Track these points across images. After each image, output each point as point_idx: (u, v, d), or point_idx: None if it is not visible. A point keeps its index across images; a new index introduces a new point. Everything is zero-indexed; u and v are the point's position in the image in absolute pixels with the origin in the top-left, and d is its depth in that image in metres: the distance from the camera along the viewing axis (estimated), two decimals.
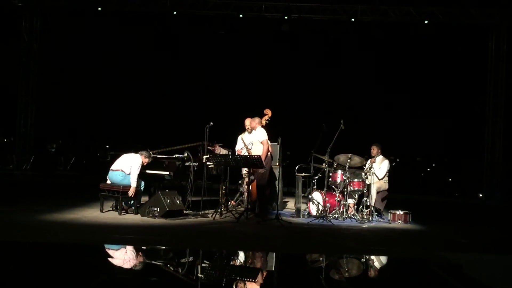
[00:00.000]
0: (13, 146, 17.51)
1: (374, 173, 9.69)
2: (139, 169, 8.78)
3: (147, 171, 9.20)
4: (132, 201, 8.87)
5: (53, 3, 16.41)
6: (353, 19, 16.04)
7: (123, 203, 8.81)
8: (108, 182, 8.86)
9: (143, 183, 9.10)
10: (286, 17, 16.01)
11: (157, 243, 6.96)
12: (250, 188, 9.04)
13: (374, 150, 10.00)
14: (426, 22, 15.99)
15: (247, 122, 9.56)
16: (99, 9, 16.13)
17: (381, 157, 9.96)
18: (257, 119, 9.44)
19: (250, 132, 9.52)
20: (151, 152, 9.10)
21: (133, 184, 8.63)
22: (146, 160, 8.97)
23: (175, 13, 16.15)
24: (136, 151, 9.02)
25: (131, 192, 8.61)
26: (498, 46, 16.29)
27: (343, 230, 8.38)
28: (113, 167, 8.89)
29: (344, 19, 16.14)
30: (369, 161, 9.85)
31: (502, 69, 16.21)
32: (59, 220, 7.96)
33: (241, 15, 16.15)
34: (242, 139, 9.55)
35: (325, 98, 17.88)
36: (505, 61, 16.19)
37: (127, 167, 8.75)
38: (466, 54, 17.04)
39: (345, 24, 16.31)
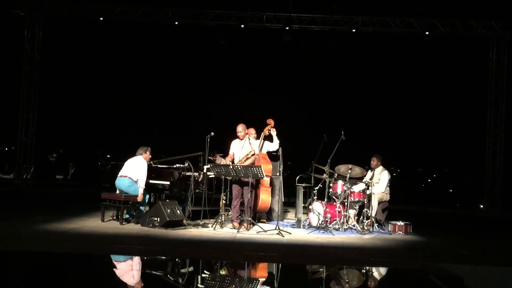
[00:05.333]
0: (14, 155, 17.50)
1: (375, 183, 9.67)
2: (146, 171, 8.87)
3: (148, 181, 9.19)
4: (134, 212, 8.90)
5: (55, 13, 16.47)
6: (354, 30, 16.09)
7: (126, 215, 8.86)
8: (117, 192, 8.91)
9: (147, 196, 9.15)
10: (287, 28, 16.05)
11: (157, 253, 6.95)
12: (249, 198, 9.02)
13: (374, 161, 10.01)
14: (427, 33, 16.04)
15: (240, 128, 9.30)
16: (101, 19, 16.20)
17: (380, 168, 9.97)
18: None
19: (242, 139, 9.34)
20: (148, 149, 9.14)
21: (142, 184, 8.72)
22: (147, 155, 9.09)
23: (176, 23, 16.21)
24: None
25: (140, 198, 8.66)
26: (499, 58, 16.32)
27: (343, 241, 8.36)
28: (120, 173, 8.96)
29: (345, 30, 16.19)
30: (369, 172, 9.87)
31: (503, 80, 16.24)
32: (59, 229, 7.95)
33: (242, 26, 16.21)
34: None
35: (326, 109, 17.90)
36: (505, 72, 16.22)
37: (134, 173, 8.80)
38: (467, 65, 17.06)
39: (346, 35, 16.35)
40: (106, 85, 18.35)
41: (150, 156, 9.19)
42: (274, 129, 9.68)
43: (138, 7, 16.18)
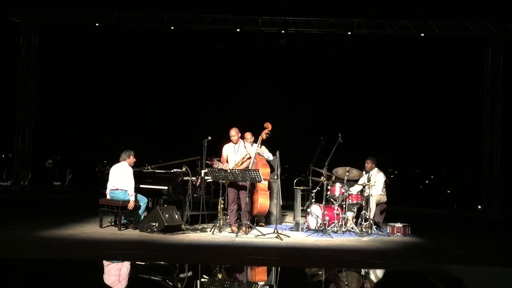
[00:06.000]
0: (11, 162, 17.46)
1: (372, 186, 9.67)
2: (133, 177, 8.81)
3: (146, 186, 9.19)
4: (132, 217, 8.87)
5: (51, 20, 16.45)
6: (349, 33, 16.12)
7: (124, 220, 8.83)
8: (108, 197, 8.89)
9: (145, 200, 9.10)
10: (283, 31, 16.08)
11: (155, 259, 6.94)
12: (247, 202, 9.01)
13: (368, 164, 9.94)
14: (422, 35, 16.08)
15: (233, 132, 9.24)
16: (97, 25, 16.20)
17: (375, 170, 9.94)
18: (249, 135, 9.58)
19: (236, 143, 9.36)
20: (131, 153, 9.09)
21: (131, 191, 8.64)
22: (131, 160, 9.03)
23: (172, 28, 16.22)
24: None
25: (130, 206, 8.62)
26: (494, 59, 16.35)
27: (342, 243, 8.35)
28: (110, 186, 8.90)
29: (341, 32, 16.22)
30: (364, 174, 9.84)
31: (499, 82, 16.26)
32: (58, 236, 7.94)
33: (238, 30, 16.23)
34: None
35: (323, 111, 17.91)
36: (501, 73, 16.24)
37: (123, 184, 8.74)
38: (463, 66, 17.08)
39: (342, 38, 16.39)
40: (102, 90, 18.32)
41: (135, 160, 9.12)
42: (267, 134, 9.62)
43: (134, 13, 16.18)
